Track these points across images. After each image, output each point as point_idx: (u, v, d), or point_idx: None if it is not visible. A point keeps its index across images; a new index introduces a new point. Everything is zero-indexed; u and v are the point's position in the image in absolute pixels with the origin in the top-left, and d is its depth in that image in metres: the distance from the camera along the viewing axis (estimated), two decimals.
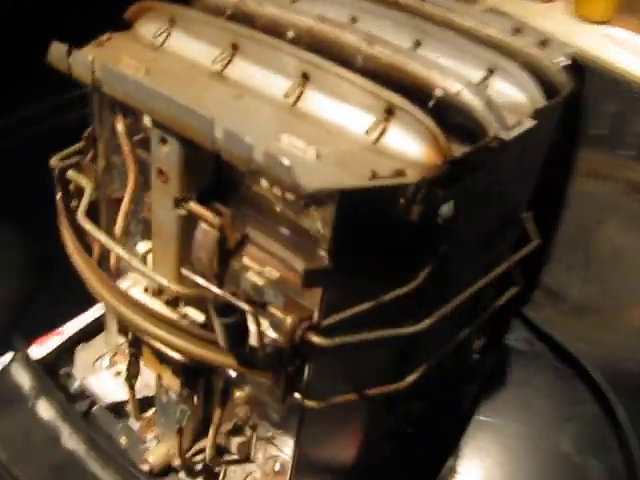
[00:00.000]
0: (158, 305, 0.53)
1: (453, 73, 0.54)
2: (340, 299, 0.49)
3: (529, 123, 0.56)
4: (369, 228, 0.47)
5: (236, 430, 0.65)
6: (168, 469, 0.66)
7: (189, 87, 0.53)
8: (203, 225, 0.47)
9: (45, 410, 0.63)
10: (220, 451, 0.66)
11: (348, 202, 0.44)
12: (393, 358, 0.57)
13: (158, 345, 0.53)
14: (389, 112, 0.49)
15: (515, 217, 0.66)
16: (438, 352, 0.59)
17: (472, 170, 0.51)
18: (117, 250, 0.52)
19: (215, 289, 0.45)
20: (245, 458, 0.66)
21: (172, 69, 0.55)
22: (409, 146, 0.48)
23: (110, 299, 0.53)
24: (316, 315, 0.48)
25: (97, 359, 0.72)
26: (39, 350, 0.71)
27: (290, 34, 0.59)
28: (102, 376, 0.71)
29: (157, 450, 0.66)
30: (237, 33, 0.55)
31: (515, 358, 0.88)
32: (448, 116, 0.53)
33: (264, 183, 0.48)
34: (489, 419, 0.81)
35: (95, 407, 0.70)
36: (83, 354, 0.73)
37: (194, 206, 0.49)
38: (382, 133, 0.49)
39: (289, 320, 0.47)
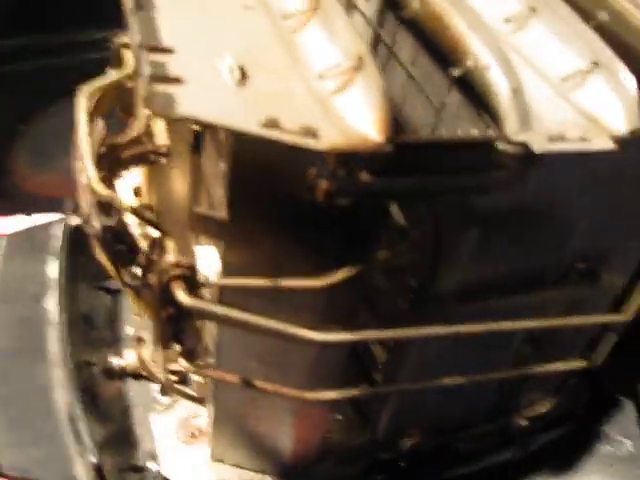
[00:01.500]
0: None
1: (495, 44, 0.40)
2: (239, 264, 0.41)
3: (599, 144, 0.40)
4: (272, 190, 0.38)
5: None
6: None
7: None
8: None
9: (52, 270, 0.65)
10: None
11: (243, 148, 0.36)
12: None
13: None
14: (359, 62, 0.38)
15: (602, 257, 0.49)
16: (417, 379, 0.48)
17: (452, 170, 0.38)
18: None
19: (100, 189, 0.40)
20: (199, 399, 0.61)
21: None
22: (358, 113, 0.37)
23: None
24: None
25: None
26: None
27: None
28: None
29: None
30: None
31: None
32: (475, 93, 0.40)
33: None
34: None
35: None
36: None
37: None
38: (343, 87, 0.38)
39: (166, 259, 0.41)
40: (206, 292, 0.43)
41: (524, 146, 0.37)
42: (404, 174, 0.36)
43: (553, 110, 0.41)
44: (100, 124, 0.42)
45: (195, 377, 0.61)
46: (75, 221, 0.68)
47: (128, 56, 0.56)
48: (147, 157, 0.42)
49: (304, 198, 0.37)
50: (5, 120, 1.08)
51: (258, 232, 0.40)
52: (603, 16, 0.47)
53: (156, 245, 0.42)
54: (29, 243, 0.68)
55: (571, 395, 0.64)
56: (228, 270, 0.42)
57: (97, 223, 0.38)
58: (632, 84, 0.41)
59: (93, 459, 0.52)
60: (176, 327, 0.44)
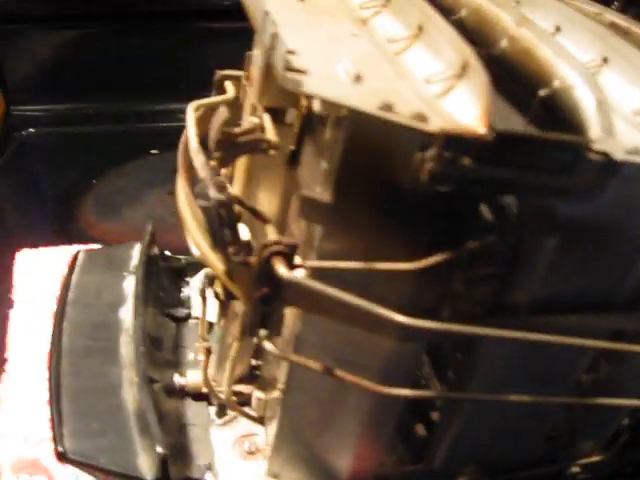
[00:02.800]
0: None
1: (581, 66, 0.45)
2: (334, 250, 0.45)
3: None
4: (379, 176, 0.42)
5: (265, 385, 0.63)
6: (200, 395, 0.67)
7: (323, 19, 0.54)
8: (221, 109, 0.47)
9: (128, 285, 0.68)
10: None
11: (361, 128, 0.41)
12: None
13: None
14: (463, 70, 0.43)
15: None
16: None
17: (541, 169, 0.41)
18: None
19: (200, 167, 0.44)
20: (259, 418, 0.63)
21: (328, 6, 0.56)
22: (463, 109, 0.42)
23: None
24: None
25: None
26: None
27: (463, 12, 0.56)
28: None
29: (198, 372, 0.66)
30: None
31: None
32: (560, 114, 0.45)
33: None
34: None
35: (189, 320, 0.74)
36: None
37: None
38: (448, 89, 0.43)
39: (268, 236, 0.44)
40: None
41: (605, 154, 0.41)
42: (502, 165, 0.40)
43: (628, 135, 0.45)
44: (223, 110, 0.46)
45: (257, 395, 0.62)
46: (153, 249, 0.72)
47: (229, 86, 0.62)
48: (260, 146, 0.46)
49: (407, 183, 0.41)
50: (79, 175, 1.16)
51: (358, 216, 0.44)
52: None
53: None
54: (107, 259, 0.72)
55: (622, 452, 0.65)
56: (323, 255, 0.45)
57: (214, 193, 0.42)
58: None
59: (160, 449, 0.53)
60: (266, 309, 0.46)
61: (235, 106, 0.60)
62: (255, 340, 0.50)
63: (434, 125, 0.39)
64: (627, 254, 0.48)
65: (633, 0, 1.15)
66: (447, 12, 0.56)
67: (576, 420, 0.62)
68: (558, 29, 0.58)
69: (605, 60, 0.52)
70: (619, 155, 0.41)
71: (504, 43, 0.50)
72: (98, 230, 1.04)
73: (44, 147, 1.31)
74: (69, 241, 0.98)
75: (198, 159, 0.45)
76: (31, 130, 1.33)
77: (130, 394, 0.58)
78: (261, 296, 0.46)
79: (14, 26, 1.34)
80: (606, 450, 0.63)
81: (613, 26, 0.60)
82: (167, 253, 0.79)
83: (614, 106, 0.48)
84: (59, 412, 0.56)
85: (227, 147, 0.46)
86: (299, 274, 0.45)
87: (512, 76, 0.49)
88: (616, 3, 1.07)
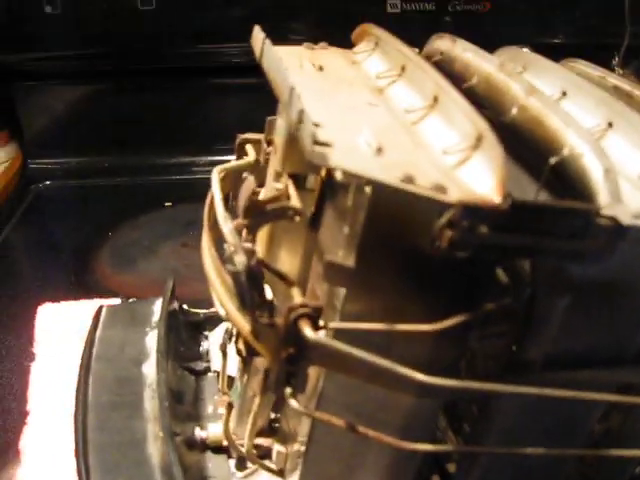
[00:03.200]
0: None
1: (589, 135, 0.47)
2: (356, 312, 0.47)
3: None
4: (400, 242, 0.44)
5: (285, 439, 0.64)
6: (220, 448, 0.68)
7: (342, 88, 0.57)
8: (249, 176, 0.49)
9: (151, 340, 0.70)
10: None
11: (382, 197, 0.43)
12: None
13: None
14: (478, 141, 0.46)
15: None
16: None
17: (554, 234, 0.44)
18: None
19: (228, 233, 0.47)
20: (279, 471, 0.64)
21: (345, 76, 0.60)
22: (479, 179, 0.44)
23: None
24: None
25: None
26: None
27: (474, 80, 0.59)
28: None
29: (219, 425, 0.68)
30: (407, 57, 0.57)
31: None
32: (569, 181, 0.47)
33: None
34: None
35: (208, 374, 0.76)
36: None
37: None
38: (464, 160, 0.46)
39: (294, 299, 0.47)
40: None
41: (614, 219, 0.44)
42: (517, 232, 0.43)
43: (635, 199, 0.48)
44: (250, 180, 0.49)
45: (278, 448, 0.64)
46: (173, 304, 0.75)
47: (249, 149, 0.65)
48: (287, 213, 0.49)
49: (427, 249, 0.43)
50: (94, 227, 1.19)
51: (379, 280, 0.46)
52: None
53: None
54: (129, 314, 0.74)
55: None
56: (346, 316, 0.48)
57: (243, 258, 0.45)
58: None
59: None
60: (291, 369, 0.48)
61: (256, 169, 0.63)
62: (280, 397, 0.51)
63: (452, 196, 0.42)
64: (637, 312, 0.50)
65: (634, 54, 1.20)
66: (458, 79, 0.59)
67: (589, 470, 0.63)
68: (564, 94, 0.61)
69: (610, 124, 0.55)
70: (627, 220, 0.44)
71: (514, 111, 0.53)
72: (114, 282, 1.06)
73: (60, 200, 1.34)
74: (86, 293, 1.00)
75: (226, 226, 0.47)
76: (47, 183, 1.36)
77: (155, 448, 0.60)
78: (287, 356, 0.48)
79: (31, 82, 1.38)
80: None
81: (616, 89, 0.63)
82: (185, 307, 0.81)
83: (620, 170, 0.50)
84: (87, 466, 0.57)
85: (255, 214, 0.48)
86: (323, 335, 0.47)
87: (522, 143, 0.52)
88: (617, 58, 1.11)
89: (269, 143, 0.65)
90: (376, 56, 0.62)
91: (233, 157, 0.67)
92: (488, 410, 0.55)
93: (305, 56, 0.61)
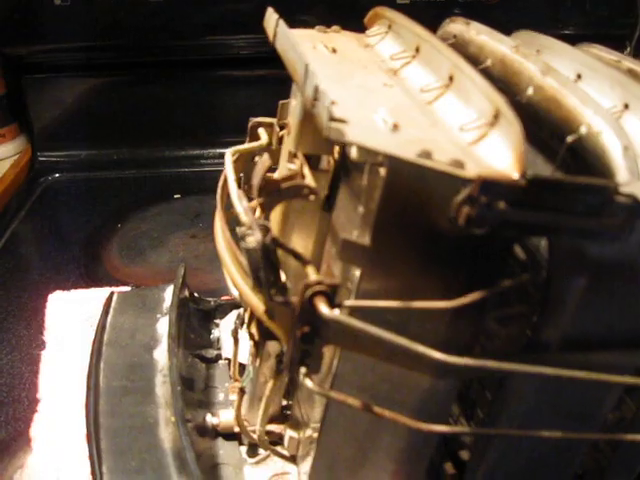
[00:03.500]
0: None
1: (606, 113, 0.47)
2: (372, 290, 0.47)
3: None
4: (417, 219, 0.44)
5: (297, 425, 0.64)
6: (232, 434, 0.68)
7: (356, 70, 0.56)
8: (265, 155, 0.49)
9: (162, 326, 0.70)
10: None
11: (398, 174, 0.43)
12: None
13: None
14: (495, 118, 0.45)
15: None
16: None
17: (572, 211, 0.43)
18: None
19: (243, 211, 0.47)
20: (291, 457, 0.64)
21: (359, 57, 0.59)
22: (497, 156, 0.44)
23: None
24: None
25: None
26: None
27: (489, 62, 0.58)
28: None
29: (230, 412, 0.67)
30: (422, 38, 0.57)
31: None
32: (587, 160, 0.47)
33: None
34: None
35: (218, 362, 0.76)
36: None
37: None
38: (481, 137, 0.45)
39: (310, 277, 0.46)
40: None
41: (632, 197, 0.43)
42: (534, 208, 0.42)
43: None
44: (265, 158, 0.49)
45: (290, 434, 0.64)
46: (184, 291, 0.74)
47: (262, 132, 0.65)
48: (301, 192, 0.48)
49: (444, 226, 0.43)
50: (103, 219, 1.19)
51: (395, 258, 0.46)
52: None
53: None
54: (140, 301, 0.74)
55: None
56: (361, 294, 0.47)
57: (259, 235, 0.44)
58: None
59: None
60: (307, 347, 0.48)
61: (269, 152, 0.63)
62: (294, 378, 0.51)
63: (471, 171, 0.41)
64: None
65: None
66: (473, 62, 0.59)
67: (603, 458, 0.63)
68: (579, 76, 0.60)
69: (626, 106, 0.55)
70: None
71: (530, 91, 0.53)
72: (123, 273, 1.06)
73: (69, 192, 1.34)
74: (96, 284, 1.00)
75: (241, 204, 0.47)
76: (56, 175, 1.36)
77: (166, 433, 0.60)
78: (302, 335, 0.47)
79: (40, 75, 1.38)
80: None
81: (631, 72, 0.62)
82: (196, 295, 0.81)
83: (637, 150, 0.50)
84: (98, 450, 0.57)
85: (270, 193, 0.48)
86: (339, 313, 0.47)
87: (538, 123, 0.52)
88: (628, 49, 1.10)
89: (282, 127, 0.64)
90: (389, 38, 0.62)
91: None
92: (502, 393, 0.54)
93: (318, 39, 0.60)
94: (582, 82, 0.60)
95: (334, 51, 0.59)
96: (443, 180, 0.42)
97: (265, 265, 0.46)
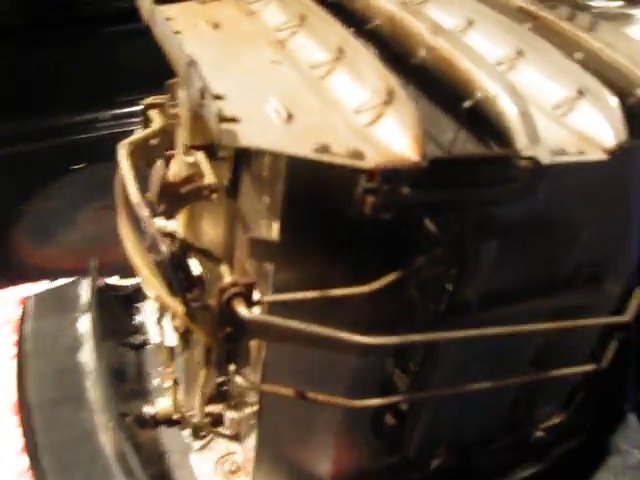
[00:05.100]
0: None
1: (500, 76, 0.47)
2: (288, 282, 0.46)
3: (594, 156, 0.46)
4: (323, 210, 0.43)
5: (237, 405, 0.64)
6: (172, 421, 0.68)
7: (242, 47, 0.54)
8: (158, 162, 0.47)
9: (83, 326, 0.68)
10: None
11: (299, 167, 0.42)
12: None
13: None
14: (389, 96, 0.44)
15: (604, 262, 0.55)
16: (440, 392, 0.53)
17: (476, 184, 0.44)
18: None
19: (150, 226, 0.45)
20: (234, 436, 0.64)
21: (243, 31, 0.56)
22: (395, 138, 0.43)
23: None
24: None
25: None
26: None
27: (377, 21, 0.57)
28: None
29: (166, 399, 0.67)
30: (305, 6, 0.54)
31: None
32: (486, 123, 0.47)
33: None
34: None
35: (147, 346, 0.75)
36: None
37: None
38: (377, 118, 0.44)
39: (224, 279, 0.45)
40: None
41: (533, 160, 0.44)
42: (437, 187, 0.42)
43: (551, 133, 0.48)
44: (160, 164, 0.46)
45: (229, 415, 0.64)
46: (100, 282, 0.72)
47: (154, 115, 0.62)
48: (202, 193, 0.47)
49: (350, 215, 0.43)
50: (7, 200, 1.12)
51: (307, 248, 0.45)
52: (578, 55, 0.54)
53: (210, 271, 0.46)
54: (57, 301, 0.71)
55: (580, 409, 0.69)
56: (278, 287, 0.47)
57: (165, 248, 0.43)
58: (615, 104, 0.48)
59: None
60: (232, 346, 0.48)
61: (163, 134, 0.60)
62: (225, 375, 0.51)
63: (370, 161, 0.40)
64: (562, 241, 0.51)
65: None
66: (360, 21, 0.57)
67: (533, 387, 0.66)
68: (470, 23, 0.59)
69: (520, 53, 0.54)
70: (546, 159, 0.44)
71: (423, 52, 0.51)
72: (37, 257, 1.02)
73: None
74: (10, 273, 0.96)
75: (143, 214, 0.45)
76: None
77: (107, 438, 0.59)
78: (225, 335, 0.47)
79: None
80: (565, 410, 0.67)
81: (521, 11, 0.62)
82: (112, 282, 0.79)
83: (534, 101, 0.50)
84: (41, 469, 0.56)
85: (170, 201, 0.46)
86: (259, 311, 0.46)
87: (436, 84, 0.51)
88: None
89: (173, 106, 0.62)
90: (274, 5, 0.59)
91: (137, 108, 0.64)
92: (433, 350, 0.56)
93: (198, 13, 0.57)
94: (474, 29, 0.59)
95: (217, 26, 0.55)
96: (344, 172, 0.41)
97: (176, 274, 0.45)
